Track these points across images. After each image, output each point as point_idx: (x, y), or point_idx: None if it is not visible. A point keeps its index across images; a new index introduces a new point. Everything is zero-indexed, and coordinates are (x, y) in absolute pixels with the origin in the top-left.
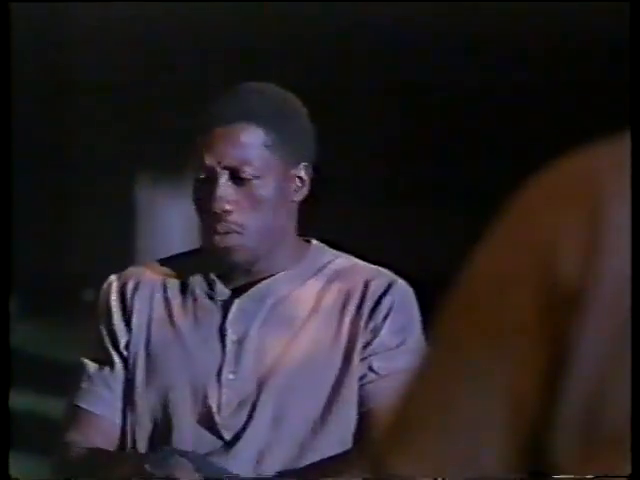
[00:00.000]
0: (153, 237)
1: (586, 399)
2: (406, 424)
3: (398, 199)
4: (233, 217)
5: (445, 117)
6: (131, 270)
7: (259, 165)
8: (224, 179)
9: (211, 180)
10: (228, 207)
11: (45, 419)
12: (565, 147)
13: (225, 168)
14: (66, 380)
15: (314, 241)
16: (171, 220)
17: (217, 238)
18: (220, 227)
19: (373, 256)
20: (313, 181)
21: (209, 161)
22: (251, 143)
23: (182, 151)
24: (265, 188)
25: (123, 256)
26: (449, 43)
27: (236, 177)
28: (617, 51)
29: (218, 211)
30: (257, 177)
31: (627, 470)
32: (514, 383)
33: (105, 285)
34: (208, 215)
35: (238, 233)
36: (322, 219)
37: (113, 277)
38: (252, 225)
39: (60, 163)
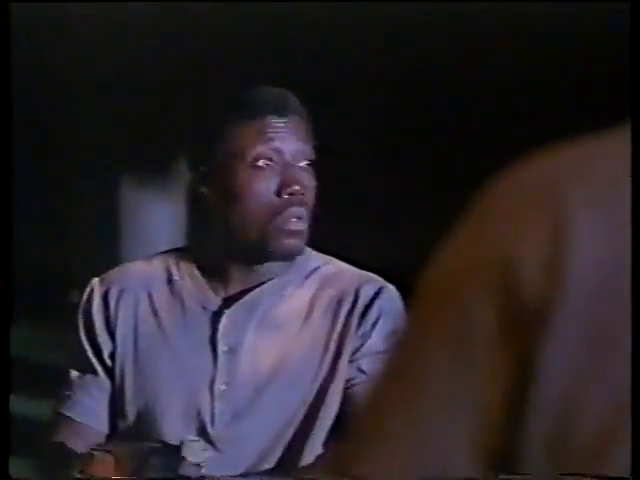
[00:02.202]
0: (139, 239)
1: (554, 413)
2: (370, 434)
3: (387, 202)
4: (302, 200)
5: (437, 117)
6: (114, 273)
7: (309, 157)
8: (295, 162)
9: (275, 166)
10: (302, 190)
11: (40, 421)
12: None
13: (291, 155)
14: (61, 384)
15: None
16: (157, 222)
17: (286, 222)
18: (293, 211)
19: (360, 260)
20: None
21: (278, 146)
22: (306, 135)
23: (168, 152)
24: (313, 180)
25: (110, 258)
26: (445, 39)
27: (299, 162)
28: (617, 51)
29: (296, 193)
30: (307, 170)
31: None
32: (480, 396)
33: (87, 290)
34: (270, 201)
35: (304, 219)
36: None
37: (95, 281)
38: (309, 211)
39: (50, 166)
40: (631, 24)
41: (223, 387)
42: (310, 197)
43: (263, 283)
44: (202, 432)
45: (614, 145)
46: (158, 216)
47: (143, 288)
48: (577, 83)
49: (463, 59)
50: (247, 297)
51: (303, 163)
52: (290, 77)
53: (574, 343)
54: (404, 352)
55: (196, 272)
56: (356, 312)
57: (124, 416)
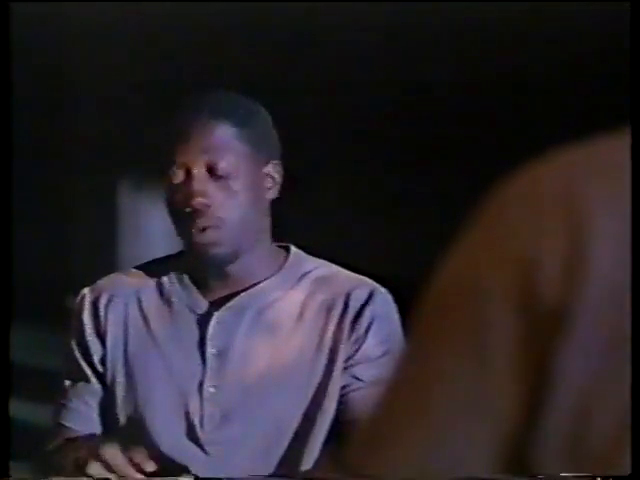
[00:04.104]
0: (139, 243)
1: (570, 417)
2: (385, 436)
3: (379, 204)
4: (211, 211)
5: (430, 120)
6: (104, 281)
7: (233, 160)
8: (200, 174)
9: (187, 178)
10: (206, 201)
11: (39, 425)
12: (554, 148)
13: (200, 164)
14: (59, 388)
15: (292, 248)
16: (156, 226)
17: (196, 235)
18: (199, 222)
19: (353, 263)
20: (288, 185)
21: (184, 158)
22: (224, 139)
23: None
24: (240, 183)
25: (109, 262)
26: (445, 39)
27: (211, 173)
28: (617, 51)
29: (197, 206)
30: (231, 172)
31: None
32: (496, 399)
33: (78, 298)
34: (184, 213)
35: (217, 227)
36: (300, 225)
37: (86, 290)
38: (230, 219)
39: (48, 168)
40: (631, 24)
41: (212, 390)
42: (223, 207)
43: (253, 286)
44: (191, 434)
45: (624, 146)
46: (157, 221)
47: (133, 294)
48: (577, 84)
49: (464, 60)
50: (235, 300)
51: (223, 168)
52: (290, 77)
53: (591, 344)
54: (419, 354)
55: (185, 277)
56: (348, 317)
57: (116, 420)
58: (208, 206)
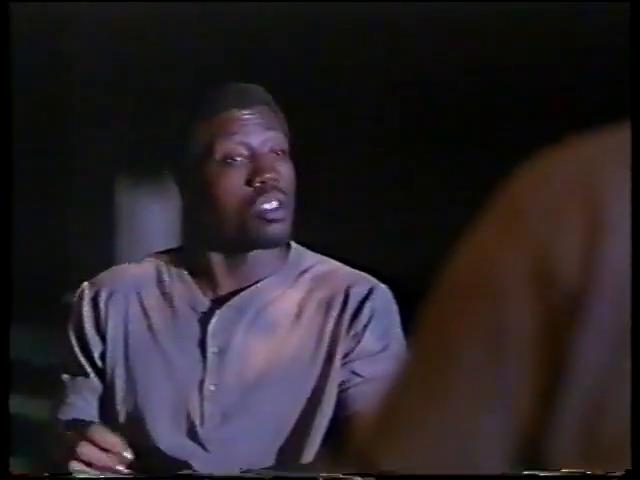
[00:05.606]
0: (138, 240)
1: (585, 408)
2: (396, 422)
3: (379, 200)
4: (276, 186)
5: (431, 118)
6: (104, 276)
7: (283, 146)
8: (264, 152)
9: (244, 159)
10: (275, 176)
11: (39, 420)
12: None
13: (263, 142)
14: (58, 384)
15: (293, 244)
16: (155, 223)
17: (261, 209)
18: (265, 198)
19: (352, 259)
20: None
21: (244, 139)
22: (274, 124)
23: (165, 153)
24: (290, 168)
25: (108, 259)
26: (445, 39)
27: (272, 151)
28: (617, 51)
29: (267, 180)
30: (284, 149)
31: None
32: (512, 393)
33: (77, 293)
34: (243, 193)
35: (278, 205)
36: (300, 221)
37: (86, 285)
38: (289, 201)
39: (47, 167)
40: (631, 24)
41: (212, 388)
42: (287, 184)
43: (253, 284)
44: (191, 433)
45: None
46: (156, 217)
47: (133, 290)
48: (576, 83)
49: (464, 59)
50: (236, 298)
51: (274, 151)
52: (290, 77)
53: (607, 336)
54: (433, 346)
55: (185, 273)
56: (347, 313)
57: (115, 417)
58: (276, 180)
